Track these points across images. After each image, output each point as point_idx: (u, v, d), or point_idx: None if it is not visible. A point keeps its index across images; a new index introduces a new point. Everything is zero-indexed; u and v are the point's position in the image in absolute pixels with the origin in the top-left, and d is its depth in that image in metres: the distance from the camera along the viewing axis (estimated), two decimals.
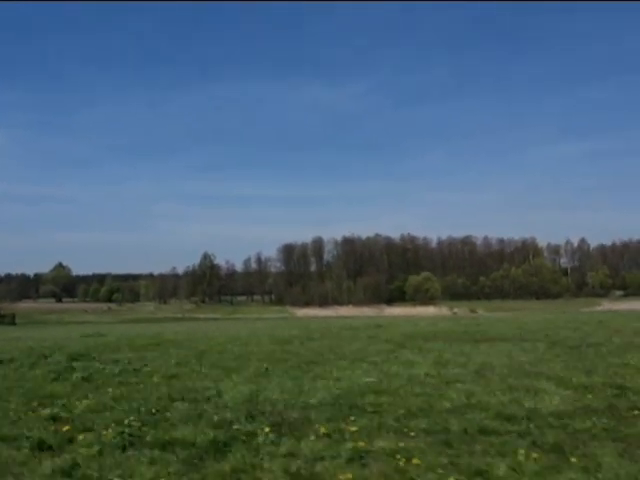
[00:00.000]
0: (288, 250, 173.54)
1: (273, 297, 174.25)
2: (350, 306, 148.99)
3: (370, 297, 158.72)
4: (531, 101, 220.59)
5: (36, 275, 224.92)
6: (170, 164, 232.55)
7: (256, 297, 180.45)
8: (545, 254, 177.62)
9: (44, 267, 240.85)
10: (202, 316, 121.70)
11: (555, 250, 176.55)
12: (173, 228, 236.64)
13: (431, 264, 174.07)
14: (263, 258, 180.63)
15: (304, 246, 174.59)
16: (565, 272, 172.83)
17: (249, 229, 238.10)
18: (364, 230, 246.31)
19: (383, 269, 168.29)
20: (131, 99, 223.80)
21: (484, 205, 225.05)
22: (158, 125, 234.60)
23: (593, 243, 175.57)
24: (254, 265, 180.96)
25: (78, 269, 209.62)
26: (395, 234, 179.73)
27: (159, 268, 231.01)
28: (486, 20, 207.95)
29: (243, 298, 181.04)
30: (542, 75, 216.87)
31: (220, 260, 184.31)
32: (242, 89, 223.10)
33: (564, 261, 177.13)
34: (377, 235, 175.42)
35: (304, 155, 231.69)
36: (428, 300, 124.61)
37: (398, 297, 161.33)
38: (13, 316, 69.40)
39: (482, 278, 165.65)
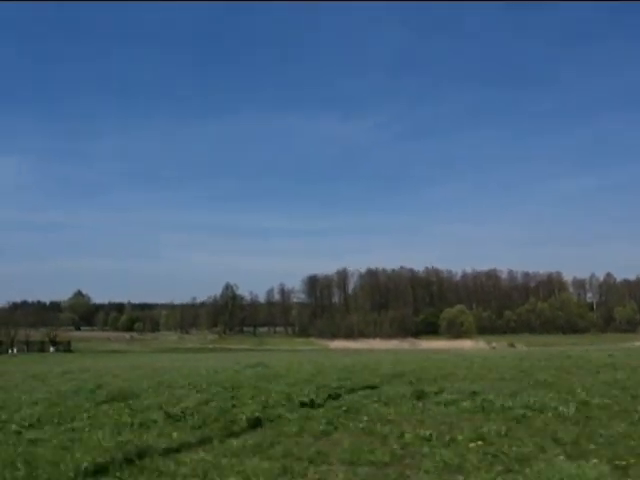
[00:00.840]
0: (312, 282, 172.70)
1: (296, 329, 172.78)
2: (378, 339, 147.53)
3: (396, 330, 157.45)
4: (544, 134, 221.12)
5: (52, 303, 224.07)
6: (182, 194, 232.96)
7: (278, 329, 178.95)
8: (570, 289, 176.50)
9: (56, 295, 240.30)
10: (233, 347, 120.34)
11: (580, 284, 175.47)
12: (187, 258, 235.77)
13: (456, 298, 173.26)
14: (286, 289, 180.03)
15: (328, 278, 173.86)
16: (591, 307, 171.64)
17: (262, 261, 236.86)
18: (376, 262, 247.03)
19: (408, 302, 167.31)
20: (145, 129, 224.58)
21: (498, 238, 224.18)
22: (171, 155, 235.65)
23: (618, 278, 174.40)
24: (277, 296, 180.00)
25: (94, 297, 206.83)
26: (418, 267, 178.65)
27: (175, 297, 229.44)
28: (499, 53, 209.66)
29: (264, 329, 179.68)
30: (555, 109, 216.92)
31: (242, 291, 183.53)
32: (257, 121, 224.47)
33: (589, 296, 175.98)
34: (402, 268, 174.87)
35: (317, 187, 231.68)
36: (462, 334, 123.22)
37: (424, 330, 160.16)
38: (69, 343, 68.53)
39: (508, 312, 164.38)
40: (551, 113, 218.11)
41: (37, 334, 72.57)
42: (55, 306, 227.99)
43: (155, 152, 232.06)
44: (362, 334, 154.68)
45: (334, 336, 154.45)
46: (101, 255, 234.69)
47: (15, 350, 52.34)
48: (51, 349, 57.48)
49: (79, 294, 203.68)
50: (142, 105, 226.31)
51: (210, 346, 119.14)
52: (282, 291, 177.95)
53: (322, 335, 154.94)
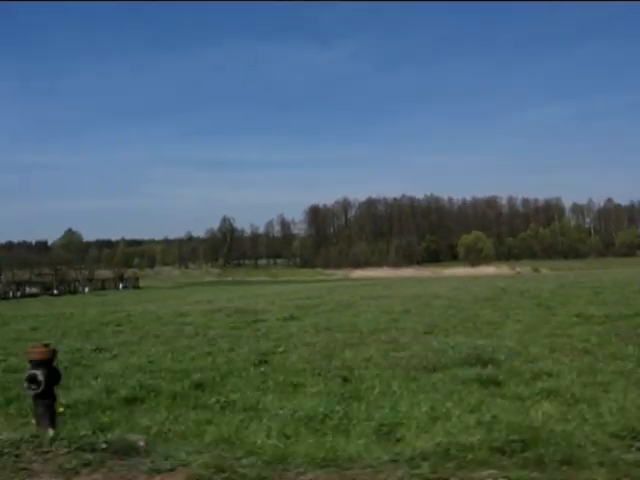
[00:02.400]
0: (314, 212, 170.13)
1: (298, 260, 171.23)
2: (385, 268, 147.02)
3: (401, 258, 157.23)
4: (519, 63, 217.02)
5: (38, 242, 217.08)
6: (161, 128, 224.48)
7: (279, 261, 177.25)
8: (567, 214, 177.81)
9: (41, 235, 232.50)
10: (251, 279, 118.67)
11: (579, 210, 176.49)
12: (172, 193, 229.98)
13: (457, 225, 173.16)
14: (285, 221, 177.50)
15: (329, 208, 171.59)
16: (589, 232, 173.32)
17: (245, 193, 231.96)
18: (358, 193, 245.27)
19: (411, 230, 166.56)
20: (114, 64, 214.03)
21: (475, 167, 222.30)
22: (146, 89, 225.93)
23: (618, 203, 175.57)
24: (277, 228, 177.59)
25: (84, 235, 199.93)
26: (418, 195, 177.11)
27: (168, 233, 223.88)
28: None
29: (263, 262, 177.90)
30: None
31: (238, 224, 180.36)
32: (232, 51, 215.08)
33: (588, 221, 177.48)
34: (403, 196, 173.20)
35: (296, 117, 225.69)
36: (482, 260, 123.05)
37: (429, 258, 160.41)
38: (137, 280, 65.61)
39: (510, 238, 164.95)
40: (529, 41, 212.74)
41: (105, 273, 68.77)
42: (41, 245, 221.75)
43: (125, 88, 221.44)
44: (368, 263, 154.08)
45: (340, 266, 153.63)
46: (83, 195, 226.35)
47: (87, 289, 49.41)
48: (120, 286, 54.61)
49: (70, 232, 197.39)
50: (110, 40, 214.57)
51: (230, 279, 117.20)
52: (283, 223, 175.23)
53: (328, 265, 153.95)
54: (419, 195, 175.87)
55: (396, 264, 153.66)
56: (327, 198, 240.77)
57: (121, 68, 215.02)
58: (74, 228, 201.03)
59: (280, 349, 9.61)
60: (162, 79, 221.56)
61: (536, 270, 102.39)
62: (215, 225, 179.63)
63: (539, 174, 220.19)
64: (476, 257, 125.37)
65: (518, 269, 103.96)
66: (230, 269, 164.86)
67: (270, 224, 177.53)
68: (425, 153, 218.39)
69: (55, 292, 48.18)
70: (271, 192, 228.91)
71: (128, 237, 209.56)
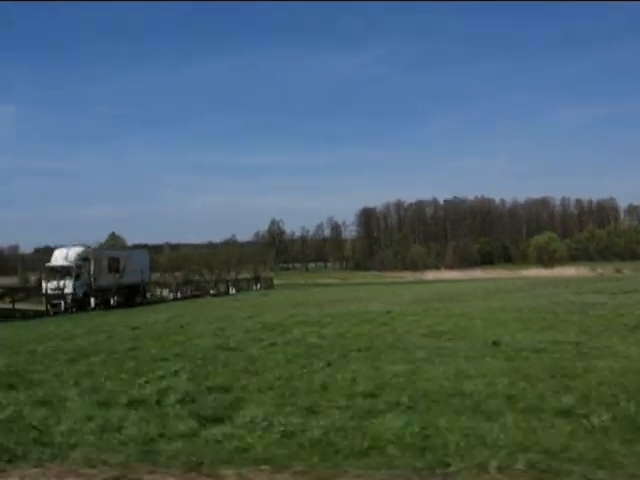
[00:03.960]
0: (366, 214, 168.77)
1: (348, 263, 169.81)
2: (445, 270, 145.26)
3: (458, 261, 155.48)
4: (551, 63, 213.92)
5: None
6: (175, 135, 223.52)
7: (329, 264, 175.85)
8: (623, 215, 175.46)
9: (54, 241, 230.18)
10: (320, 281, 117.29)
11: (634, 211, 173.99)
12: (190, 198, 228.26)
13: (510, 227, 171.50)
14: (332, 224, 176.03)
15: (382, 210, 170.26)
16: None
17: (262, 199, 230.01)
18: (385, 197, 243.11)
19: (464, 232, 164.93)
20: (138, 72, 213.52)
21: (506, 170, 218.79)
22: (167, 97, 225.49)
23: None
24: (327, 231, 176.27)
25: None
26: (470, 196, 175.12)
27: (207, 237, 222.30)
28: None
29: (312, 265, 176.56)
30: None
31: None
32: (255, 56, 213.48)
33: None
34: (455, 198, 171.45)
35: (313, 122, 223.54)
36: (555, 262, 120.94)
37: (483, 260, 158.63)
38: (271, 280, 64.57)
39: (566, 240, 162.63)
40: (558, 42, 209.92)
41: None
42: None
43: (150, 94, 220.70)
44: (425, 266, 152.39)
45: (395, 269, 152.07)
46: (98, 201, 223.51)
47: (234, 290, 48.43)
48: (256, 287, 53.54)
49: (114, 236, 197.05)
50: (126, 48, 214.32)
51: (301, 282, 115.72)
52: (333, 226, 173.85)
53: (385, 268, 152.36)
54: (470, 196, 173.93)
55: (453, 266, 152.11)
56: (350, 203, 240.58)
57: (138, 75, 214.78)
58: (88, 233, 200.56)
59: None
60: (184, 84, 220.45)
61: (618, 271, 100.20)
62: (259, 228, 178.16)
63: (585, 175, 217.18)
64: (549, 258, 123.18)
65: (600, 270, 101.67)
66: (281, 273, 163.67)
67: (320, 227, 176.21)
68: (454, 156, 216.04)
69: (212, 292, 47.20)
70: (292, 197, 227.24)
71: (151, 242, 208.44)
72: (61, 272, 35.33)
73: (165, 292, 45.80)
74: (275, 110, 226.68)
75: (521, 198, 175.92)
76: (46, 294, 35.44)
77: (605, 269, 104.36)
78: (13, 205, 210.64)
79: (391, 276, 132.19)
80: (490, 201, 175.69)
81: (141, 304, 35.72)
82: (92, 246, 38.96)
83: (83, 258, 36.35)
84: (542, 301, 22.31)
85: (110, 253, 40.03)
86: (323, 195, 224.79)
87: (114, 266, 39.26)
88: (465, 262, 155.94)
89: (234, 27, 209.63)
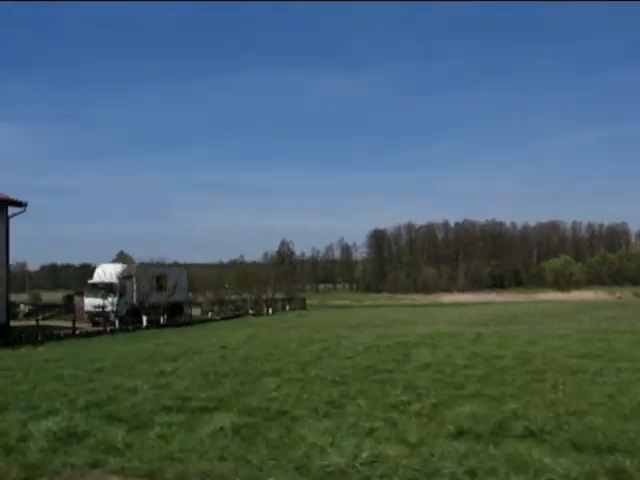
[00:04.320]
0: (377, 236, 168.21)
1: (358, 285, 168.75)
2: (455, 293, 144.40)
3: (470, 283, 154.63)
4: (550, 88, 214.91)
5: (83, 265, 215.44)
6: (190, 152, 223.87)
7: (338, 286, 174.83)
8: (634, 239, 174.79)
9: (71, 259, 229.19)
10: (338, 303, 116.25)
11: None
12: (201, 217, 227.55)
13: (521, 250, 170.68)
14: (343, 245, 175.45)
15: (394, 232, 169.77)
16: None
17: (269, 220, 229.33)
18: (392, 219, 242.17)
19: (475, 255, 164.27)
20: (144, 91, 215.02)
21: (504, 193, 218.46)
22: (174, 116, 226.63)
23: None
24: (337, 252, 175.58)
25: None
26: (479, 219, 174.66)
27: (214, 257, 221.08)
28: (499, 10, 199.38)
29: (322, 286, 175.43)
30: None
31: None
32: (260, 78, 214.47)
33: None
34: (466, 220, 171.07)
35: (318, 144, 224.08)
36: (571, 285, 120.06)
37: (494, 283, 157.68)
38: (304, 300, 63.58)
39: (579, 264, 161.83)
40: (557, 67, 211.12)
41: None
42: (86, 268, 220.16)
43: (160, 114, 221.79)
44: (437, 288, 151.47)
45: (408, 291, 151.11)
46: (112, 219, 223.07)
47: (270, 310, 47.46)
48: (286, 307, 52.65)
49: (122, 254, 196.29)
50: (142, 67, 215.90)
51: (316, 303, 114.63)
52: (344, 247, 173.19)
53: (397, 290, 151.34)
54: (481, 219, 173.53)
55: (464, 289, 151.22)
56: (359, 224, 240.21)
57: (153, 94, 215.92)
58: (93, 251, 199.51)
59: None
60: (192, 105, 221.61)
61: (637, 295, 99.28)
62: (267, 249, 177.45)
63: (593, 200, 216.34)
64: (565, 282, 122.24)
65: (618, 294, 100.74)
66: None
67: (330, 248, 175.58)
68: (459, 179, 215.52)
69: (251, 312, 46.23)
70: (300, 219, 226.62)
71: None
72: (104, 289, 34.48)
73: (196, 311, 44.75)
74: (282, 132, 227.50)
75: (532, 221, 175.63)
76: (88, 311, 34.61)
77: (623, 293, 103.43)
78: (20, 221, 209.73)
79: (404, 298, 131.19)
80: (501, 224, 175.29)
81: (189, 324, 34.76)
82: (136, 263, 38.00)
83: (126, 275, 35.55)
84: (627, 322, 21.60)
85: (156, 271, 39.09)
86: (332, 216, 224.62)
87: (162, 283, 38.38)
88: (476, 285, 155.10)
89: (243, 50, 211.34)
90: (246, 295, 51.82)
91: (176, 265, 58.25)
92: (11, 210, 31.26)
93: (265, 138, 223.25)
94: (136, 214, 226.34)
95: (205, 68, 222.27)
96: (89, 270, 48.07)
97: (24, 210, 31.10)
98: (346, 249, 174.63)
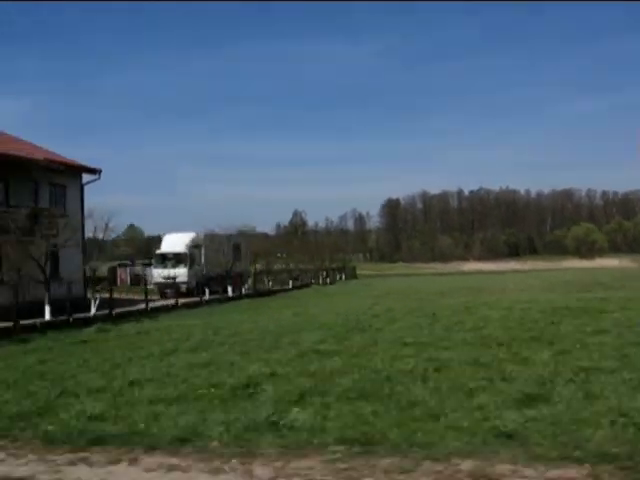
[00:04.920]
0: (391, 206, 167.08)
1: (372, 255, 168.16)
2: (472, 261, 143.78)
3: (485, 252, 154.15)
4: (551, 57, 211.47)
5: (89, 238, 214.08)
6: (190, 126, 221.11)
7: (354, 256, 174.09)
8: None
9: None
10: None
11: None
12: (202, 189, 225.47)
13: (534, 218, 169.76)
14: (355, 215, 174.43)
15: (408, 201, 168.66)
16: None
17: (272, 191, 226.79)
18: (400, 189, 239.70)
19: (491, 223, 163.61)
20: (145, 64, 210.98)
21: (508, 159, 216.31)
22: (174, 89, 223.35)
23: None
24: (350, 222, 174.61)
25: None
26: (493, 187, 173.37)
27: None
28: None
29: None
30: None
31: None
32: (261, 49, 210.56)
33: None
34: (481, 188, 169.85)
35: (321, 114, 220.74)
36: (594, 253, 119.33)
37: (510, 252, 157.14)
38: (354, 269, 62.88)
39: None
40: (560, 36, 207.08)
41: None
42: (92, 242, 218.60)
43: (157, 87, 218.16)
44: (453, 257, 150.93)
45: (424, 260, 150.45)
46: (113, 191, 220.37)
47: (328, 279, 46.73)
48: (340, 276, 51.95)
49: (132, 227, 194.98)
50: (141, 39, 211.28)
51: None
52: (357, 217, 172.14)
53: (412, 259, 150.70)
54: (494, 187, 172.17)
55: (481, 257, 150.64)
56: (363, 194, 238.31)
57: (152, 65, 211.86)
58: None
59: None
60: (193, 77, 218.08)
61: None
62: (279, 220, 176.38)
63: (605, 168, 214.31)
64: (588, 249, 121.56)
65: None
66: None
67: (343, 218, 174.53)
68: (465, 147, 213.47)
69: (313, 282, 45.60)
70: (311, 189, 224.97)
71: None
72: (173, 259, 33.65)
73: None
74: (287, 103, 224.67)
75: (546, 189, 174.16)
76: (157, 282, 33.81)
77: None
78: None
79: (424, 267, 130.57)
80: (515, 192, 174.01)
81: (268, 294, 33.93)
82: (204, 231, 36.89)
83: (196, 244, 34.67)
84: None
85: (232, 238, 37.92)
86: (344, 186, 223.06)
87: (236, 252, 37.38)
88: (492, 253, 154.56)
89: (243, 21, 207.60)
90: (301, 265, 51.04)
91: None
92: (85, 177, 30.43)
93: (265, 109, 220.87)
94: (144, 187, 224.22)
95: (204, 38, 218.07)
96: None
97: (99, 177, 30.22)
98: (360, 219, 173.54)
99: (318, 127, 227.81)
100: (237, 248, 38.09)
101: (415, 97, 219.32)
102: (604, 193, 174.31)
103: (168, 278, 33.51)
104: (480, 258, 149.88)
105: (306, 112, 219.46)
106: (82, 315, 21.61)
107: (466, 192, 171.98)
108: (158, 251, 35.56)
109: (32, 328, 18.11)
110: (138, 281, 41.21)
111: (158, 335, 13.60)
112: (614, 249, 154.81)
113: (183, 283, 33.32)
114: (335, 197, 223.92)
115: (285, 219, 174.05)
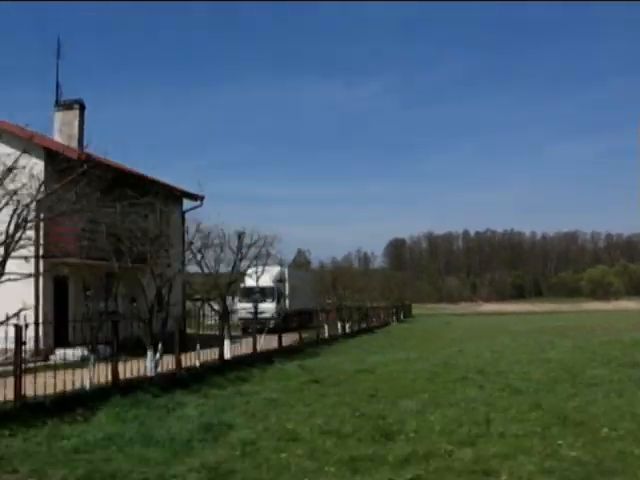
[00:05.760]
0: (396, 245, 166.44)
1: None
2: (481, 302, 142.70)
3: (493, 293, 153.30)
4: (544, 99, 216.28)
5: None
6: (190, 162, 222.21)
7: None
8: None
9: None
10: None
11: None
12: None
13: (539, 260, 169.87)
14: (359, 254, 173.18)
15: (413, 241, 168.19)
16: None
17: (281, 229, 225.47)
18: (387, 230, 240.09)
19: (497, 265, 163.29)
20: (150, 97, 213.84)
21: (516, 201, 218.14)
22: (173, 125, 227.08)
23: None
24: (355, 262, 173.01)
25: None
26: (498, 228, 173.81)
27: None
28: (501, 17, 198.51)
29: None
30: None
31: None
32: (258, 88, 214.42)
33: None
34: (488, 230, 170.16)
35: (317, 154, 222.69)
36: (610, 296, 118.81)
37: (515, 293, 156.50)
38: (410, 307, 61.16)
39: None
40: (551, 79, 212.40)
41: None
42: None
43: (155, 121, 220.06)
44: (461, 298, 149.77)
45: (431, 300, 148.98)
46: None
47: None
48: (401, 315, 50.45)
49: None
50: (143, 75, 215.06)
51: None
52: (361, 256, 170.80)
53: (421, 300, 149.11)
54: (499, 229, 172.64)
55: (489, 299, 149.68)
56: (364, 233, 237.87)
57: (153, 104, 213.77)
58: None
59: None
60: (193, 115, 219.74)
61: None
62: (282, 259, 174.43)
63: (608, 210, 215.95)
64: (604, 292, 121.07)
65: None
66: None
67: (348, 258, 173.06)
68: (458, 190, 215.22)
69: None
70: (314, 228, 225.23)
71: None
72: (260, 293, 31.91)
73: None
74: (287, 142, 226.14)
75: (550, 231, 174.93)
76: (242, 318, 32.06)
77: None
78: None
79: (436, 308, 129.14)
80: (520, 234, 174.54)
81: (366, 331, 32.31)
82: (285, 266, 35.30)
83: (280, 279, 33.07)
84: None
85: (301, 275, 36.69)
86: (345, 225, 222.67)
87: (304, 288, 35.94)
88: (498, 295, 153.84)
89: (243, 60, 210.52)
90: (374, 302, 49.40)
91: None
92: (187, 204, 28.89)
93: (264, 147, 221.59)
94: None
95: (205, 78, 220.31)
96: None
97: (201, 204, 28.65)
98: (364, 258, 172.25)
99: (317, 166, 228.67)
100: (306, 284, 36.68)
101: (414, 137, 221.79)
102: (608, 235, 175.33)
103: (255, 313, 31.68)
104: (488, 299, 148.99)
105: (306, 152, 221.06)
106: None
107: (472, 233, 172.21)
108: (244, 285, 33.78)
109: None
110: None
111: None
112: (623, 291, 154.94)
113: (271, 319, 31.50)
114: (337, 236, 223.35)
115: (288, 258, 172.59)
